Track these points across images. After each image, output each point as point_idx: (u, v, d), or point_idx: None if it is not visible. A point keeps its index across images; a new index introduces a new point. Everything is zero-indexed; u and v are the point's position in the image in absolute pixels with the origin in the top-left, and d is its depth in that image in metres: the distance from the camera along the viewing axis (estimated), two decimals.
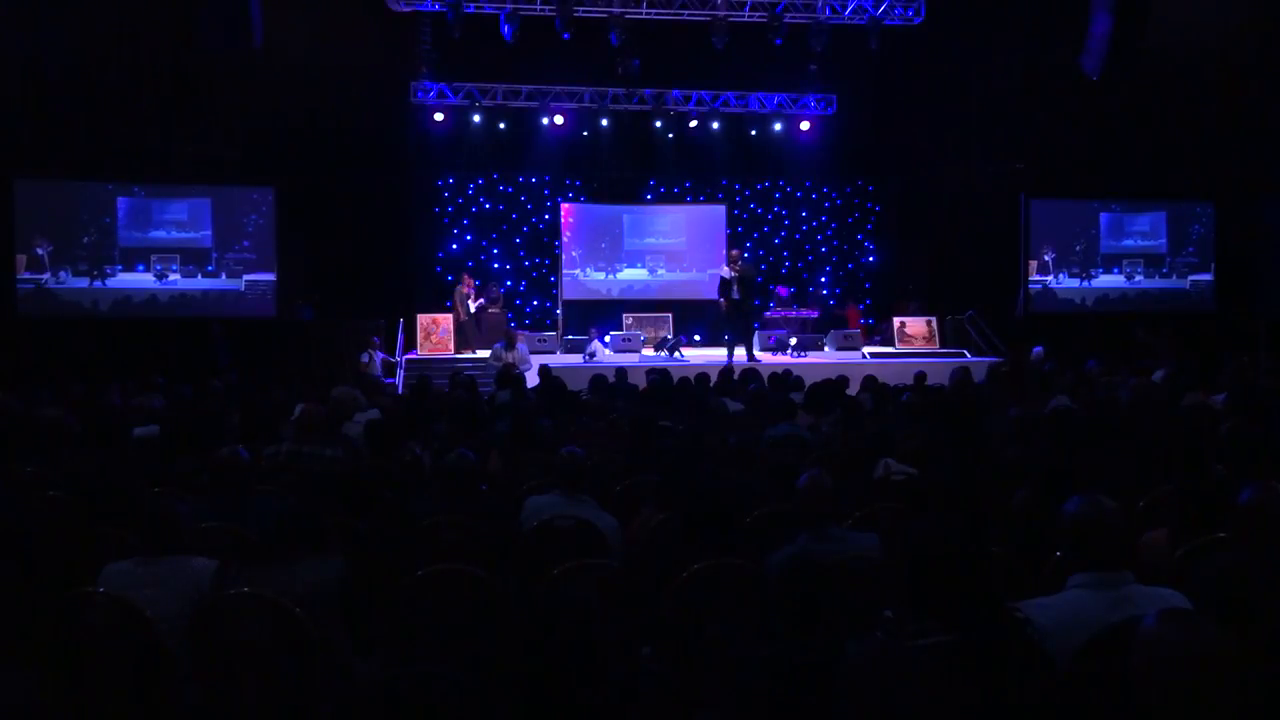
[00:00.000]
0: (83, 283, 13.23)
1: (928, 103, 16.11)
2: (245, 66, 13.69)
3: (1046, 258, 15.14)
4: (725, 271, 13.31)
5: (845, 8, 14.95)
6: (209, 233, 13.71)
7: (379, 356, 13.70)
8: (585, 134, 16.87)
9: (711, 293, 16.82)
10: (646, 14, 14.68)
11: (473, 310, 14.97)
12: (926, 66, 15.56)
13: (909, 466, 4.92)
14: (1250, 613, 2.57)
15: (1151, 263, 15.45)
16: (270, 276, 13.81)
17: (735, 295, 13.26)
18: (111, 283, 13.37)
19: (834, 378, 8.25)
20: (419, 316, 14.69)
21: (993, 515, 3.94)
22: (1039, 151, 15.40)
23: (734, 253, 13.98)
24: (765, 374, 9.33)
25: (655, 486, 4.72)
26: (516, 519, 4.33)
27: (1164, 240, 15.48)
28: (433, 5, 14.67)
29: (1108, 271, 15.37)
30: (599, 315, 16.49)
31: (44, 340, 12.59)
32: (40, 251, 13.03)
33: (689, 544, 3.55)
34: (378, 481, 4.75)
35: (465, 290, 15.05)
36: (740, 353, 13.42)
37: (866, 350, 14.77)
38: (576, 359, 13.76)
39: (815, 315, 16.36)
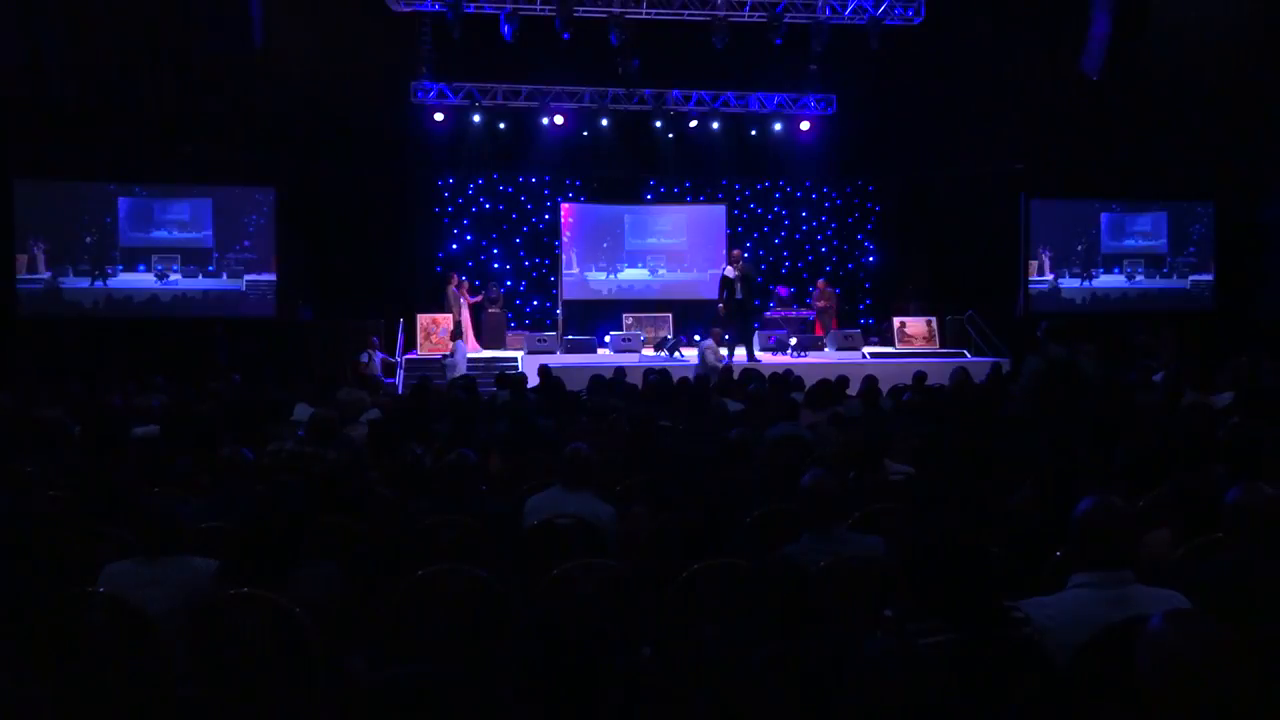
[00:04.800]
0: (83, 283, 13.24)
1: (928, 103, 16.10)
2: (245, 66, 13.69)
3: (1045, 256, 15.14)
4: (729, 270, 13.31)
5: (845, 8, 14.94)
6: (210, 233, 13.71)
7: (379, 356, 13.71)
8: (585, 134, 16.86)
9: (711, 293, 16.85)
10: (646, 14, 14.67)
11: (464, 309, 15.01)
12: (926, 66, 15.55)
13: (908, 466, 4.92)
14: (1243, 611, 2.58)
15: (1152, 262, 15.46)
16: (270, 276, 13.82)
17: (739, 295, 13.27)
18: (112, 283, 13.38)
19: (833, 378, 8.25)
20: (419, 316, 14.71)
21: (993, 515, 3.94)
22: (1039, 151, 15.40)
23: (735, 252, 14.01)
24: (765, 374, 9.34)
25: (646, 486, 4.73)
26: (517, 519, 4.33)
27: (1164, 240, 15.49)
28: (433, 5, 14.67)
29: (1108, 271, 15.38)
30: (599, 315, 16.50)
31: (44, 340, 12.60)
32: (36, 250, 13.04)
33: (688, 544, 3.55)
34: (378, 481, 4.75)
35: (453, 289, 15.13)
36: (740, 353, 13.43)
37: (866, 350, 14.77)
38: (577, 359, 13.75)
39: (814, 316, 16.37)
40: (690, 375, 8.96)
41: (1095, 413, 5.82)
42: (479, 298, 15.50)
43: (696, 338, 16.45)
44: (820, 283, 16.75)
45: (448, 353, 13.46)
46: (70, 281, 13.19)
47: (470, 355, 14.47)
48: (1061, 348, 7.14)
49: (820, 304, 16.22)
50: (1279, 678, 2.18)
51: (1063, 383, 6.63)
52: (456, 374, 11.94)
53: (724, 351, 12.84)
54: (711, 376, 9.77)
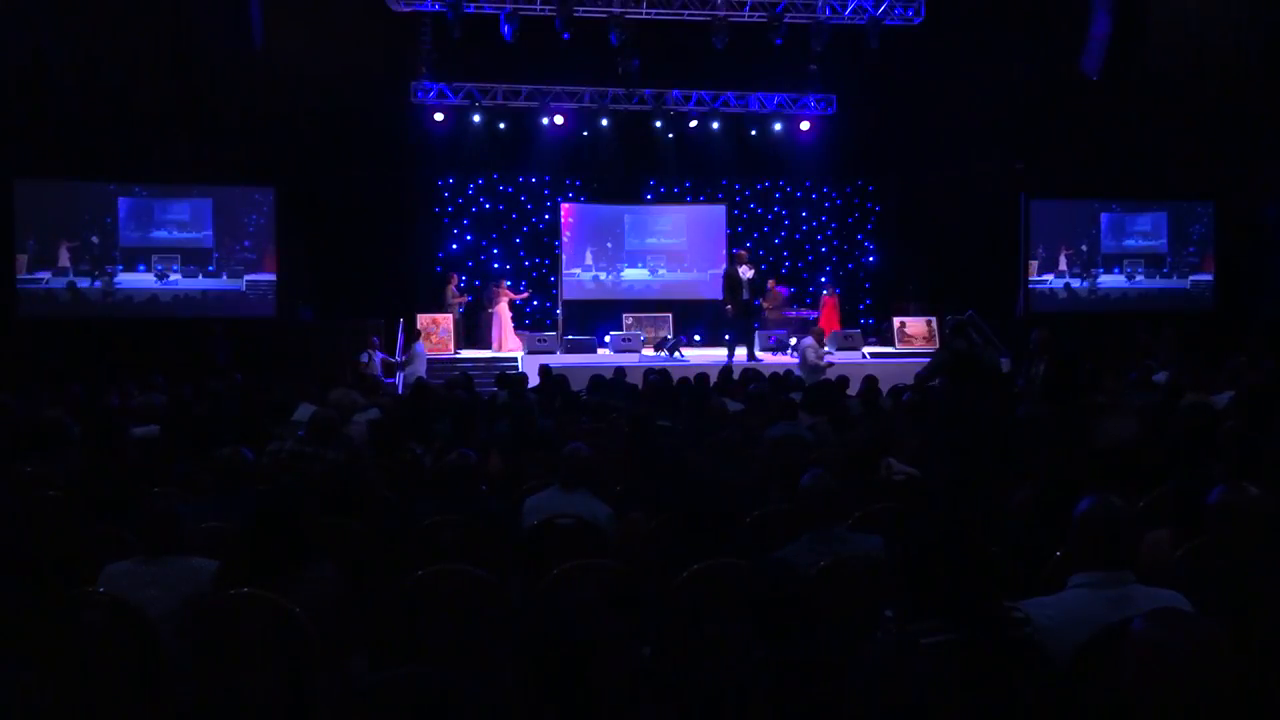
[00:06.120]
0: (84, 283, 13.23)
1: (928, 103, 16.09)
2: (245, 66, 13.68)
3: (1062, 256, 15.16)
4: (744, 270, 13.28)
5: (845, 8, 14.94)
6: (210, 233, 13.71)
7: (379, 356, 13.69)
8: (585, 134, 16.86)
9: (711, 292, 16.81)
10: (646, 14, 14.67)
11: (503, 308, 15.20)
12: (926, 66, 15.55)
13: (909, 466, 4.92)
14: (1230, 610, 2.58)
15: (1152, 263, 15.46)
16: (270, 276, 13.81)
17: (746, 296, 13.26)
18: (113, 282, 13.38)
19: (833, 378, 8.25)
20: (419, 316, 14.70)
21: (993, 515, 3.94)
22: (1039, 151, 15.40)
23: (742, 252, 14.00)
24: (765, 374, 9.35)
25: (645, 486, 4.73)
26: (517, 519, 4.33)
27: (1164, 240, 15.49)
28: (433, 5, 14.67)
29: (1108, 271, 15.38)
30: (599, 315, 16.50)
31: (44, 340, 12.59)
32: (61, 249, 13.05)
33: (688, 544, 3.55)
34: (378, 481, 4.75)
35: (452, 289, 15.25)
36: (741, 353, 13.42)
37: (866, 350, 14.77)
38: (577, 359, 13.75)
39: (816, 315, 16.36)
40: (690, 376, 8.94)
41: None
42: (526, 294, 15.90)
43: (697, 338, 16.47)
44: (770, 283, 16.13)
45: (405, 356, 13.41)
46: (68, 281, 13.18)
47: (473, 355, 14.49)
48: (963, 342, 8.36)
49: (766, 305, 15.57)
50: (1267, 675, 2.19)
51: (966, 371, 7.69)
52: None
53: (826, 350, 12.61)
54: (812, 378, 9.69)
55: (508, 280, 16.06)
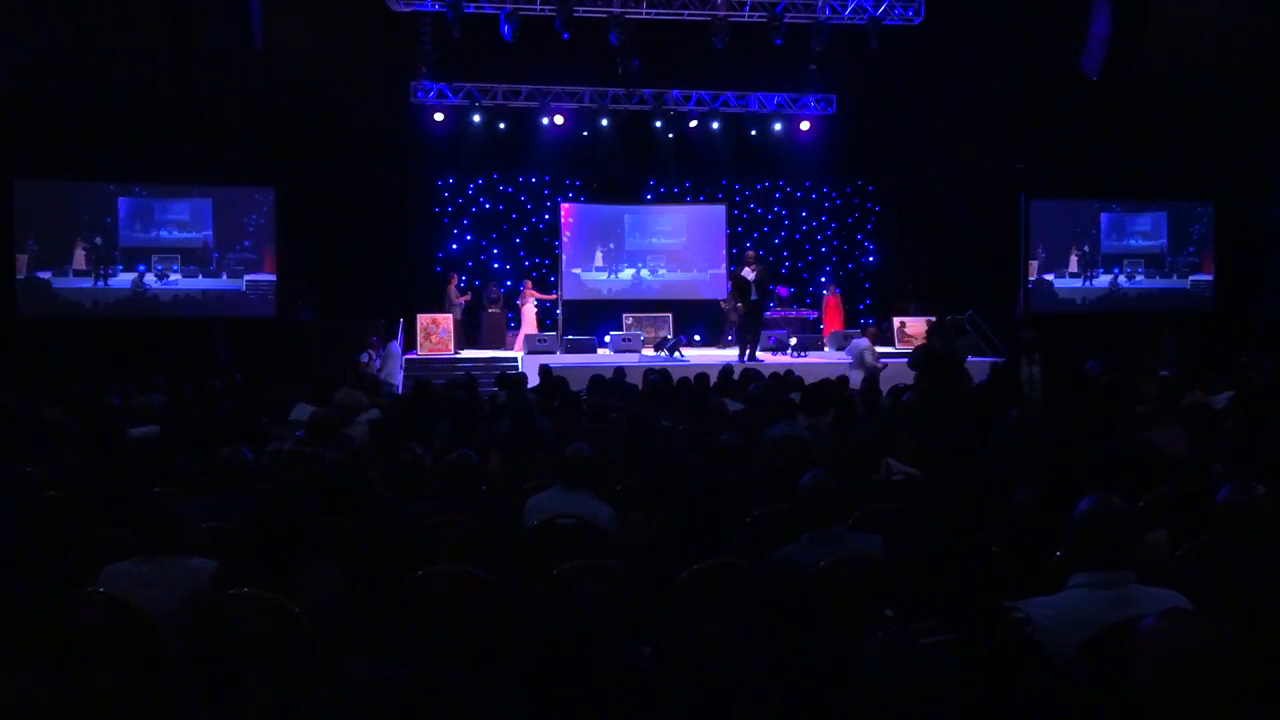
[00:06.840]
0: (84, 283, 13.23)
1: (928, 103, 16.09)
2: (245, 66, 13.69)
3: (1071, 256, 15.19)
4: (747, 272, 13.28)
5: (845, 8, 14.94)
6: (210, 233, 13.71)
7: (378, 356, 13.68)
8: (585, 134, 16.85)
9: (711, 292, 16.81)
10: (646, 14, 14.67)
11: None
12: (926, 66, 15.55)
13: (909, 466, 4.92)
14: (1236, 610, 2.58)
15: (1152, 262, 15.47)
16: (270, 276, 13.81)
17: (755, 296, 13.25)
18: (112, 283, 13.37)
19: (833, 378, 8.26)
20: (419, 316, 14.70)
21: (993, 515, 3.94)
22: (1039, 151, 15.40)
23: (750, 253, 13.99)
24: (766, 374, 9.35)
25: (645, 486, 4.73)
26: (517, 519, 4.33)
27: (1164, 240, 15.50)
28: (433, 5, 14.66)
29: (1108, 271, 15.39)
30: (599, 315, 16.50)
31: (44, 340, 12.60)
32: (79, 250, 13.07)
33: (688, 544, 3.55)
34: (378, 481, 4.75)
35: (451, 289, 15.32)
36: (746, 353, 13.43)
37: None
38: (577, 359, 13.74)
39: (815, 315, 16.37)
40: (690, 376, 8.93)
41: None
42: (553, 295, 16.01)
43: (697, 338, 16.46)
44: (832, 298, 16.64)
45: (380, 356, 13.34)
46: (70, 281, 13.18)
47: (473, 355, 14.45)
48: (940, 341, 9.04)
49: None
50: (1272, 675, 2.19)
51: (940, 371, 8.39)
52: (394, 379, 11.91)
53: (880, 350, 12.62)
54: (870, 378, 9.77)
55: (492, 284, 16.11)
